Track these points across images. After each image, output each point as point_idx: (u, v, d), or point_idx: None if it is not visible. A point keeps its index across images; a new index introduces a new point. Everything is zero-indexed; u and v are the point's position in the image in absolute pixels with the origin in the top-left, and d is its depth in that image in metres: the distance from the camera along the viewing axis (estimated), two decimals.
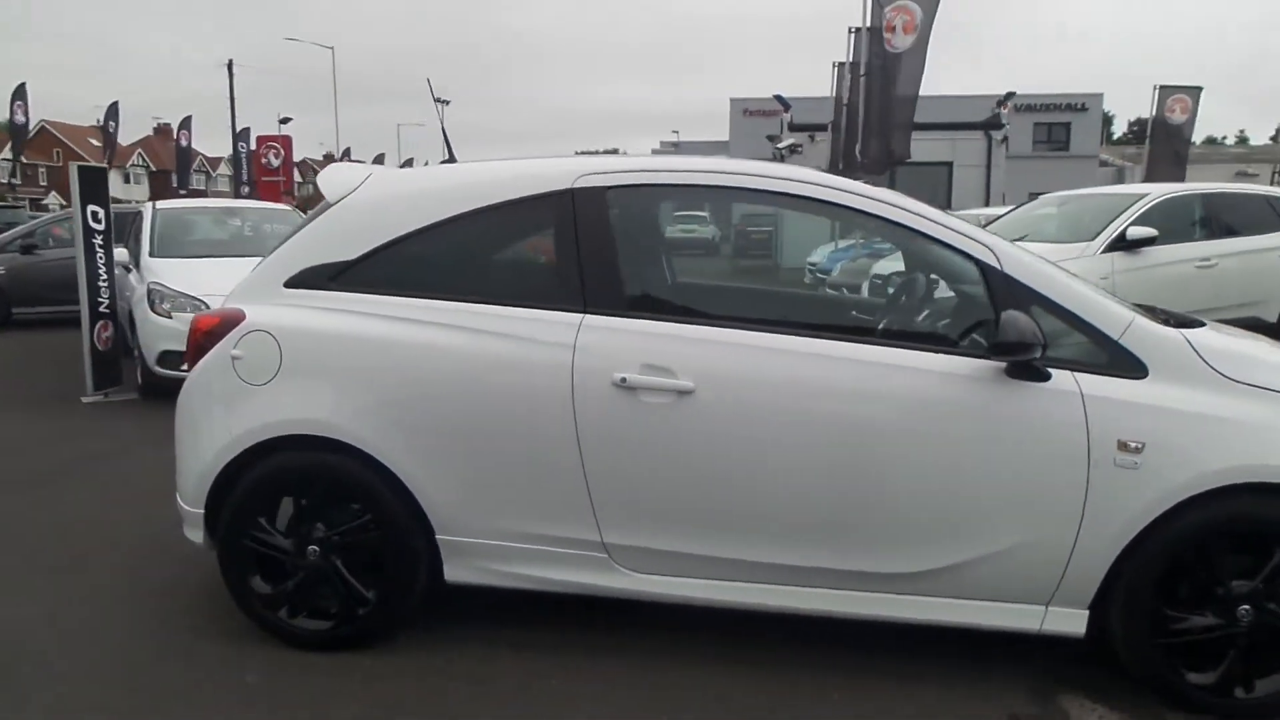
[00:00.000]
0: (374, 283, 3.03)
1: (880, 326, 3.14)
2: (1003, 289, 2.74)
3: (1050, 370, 2.66)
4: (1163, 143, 18.99)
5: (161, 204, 8.75)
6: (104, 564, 3.88)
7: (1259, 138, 63.58)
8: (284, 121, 35.18)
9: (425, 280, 3.08)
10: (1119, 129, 61.76)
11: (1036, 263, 2.82)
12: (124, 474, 5.31)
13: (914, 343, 2.88)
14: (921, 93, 12.53)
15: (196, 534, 3.15)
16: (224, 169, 62.21)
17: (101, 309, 7.38)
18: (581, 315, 2.87)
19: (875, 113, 12.50)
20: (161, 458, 5.56)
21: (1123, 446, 2.62)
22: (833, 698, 2.82)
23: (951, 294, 3.26)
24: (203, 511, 3.10)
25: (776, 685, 2.88)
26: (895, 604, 2.81)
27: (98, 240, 7.31)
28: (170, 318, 7.01)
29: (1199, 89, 19.02)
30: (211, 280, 7.26)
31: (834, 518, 2.77)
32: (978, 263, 2.78)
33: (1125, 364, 2.69)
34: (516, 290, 3.02)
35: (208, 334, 3.11)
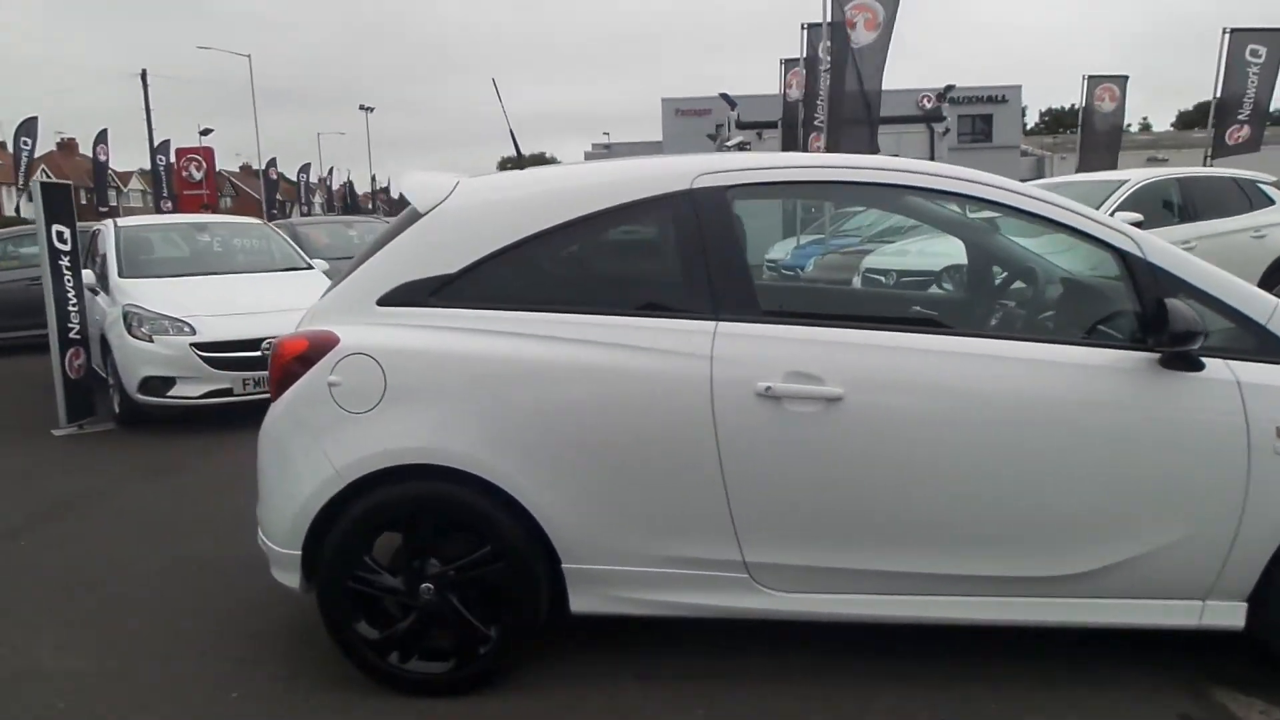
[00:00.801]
0: (480, 297, 2.82)
1: (1019, 322, 3.05)
2: (1148, 278, 2.67)
3: (1203, 359, 2.61)
4: (1093, 132, 19.58)
5: (123, 221, 8.24)
6: (143, 610, 3.56)
7: (1160, 124, 66.53)
8: (204, 133, 34.00)
9: (536, 292, 2.88)
10: (1030, 119, 63.82)
11: (1176, 250, 2.77)
12: (125, 511, 4.93)
13: (1052, 337, 2.79)
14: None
15: (291, 577, 2.89)
16: (135, 184, 59.74)
17: (72, 335, 6.89)
18: (714, 323, 2.71)
19: (842, 108, 12.57)
20: (161, 491, 5.26)
21: None
22: (989, 710, 2.72)
23: (1053, 286, 3.21)
24: (299, 553, 2.84)
25: (924, 695, 2.76)
26: (1053, 608, 2.72)
27: (64, 262, 6.82)
28: (151, 341, 6.59)
29: (1125, 78, 19.68)
30: (191, 300, 6.92)
31: (991, 523, 2.67)
32: (1120, 253, 2.72)
33: (1274, 349, 2.65)
34: (638, 299, 2.84)
35: (296, 360, 2.85)
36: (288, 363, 2.86)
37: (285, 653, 3.17)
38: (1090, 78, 19.59)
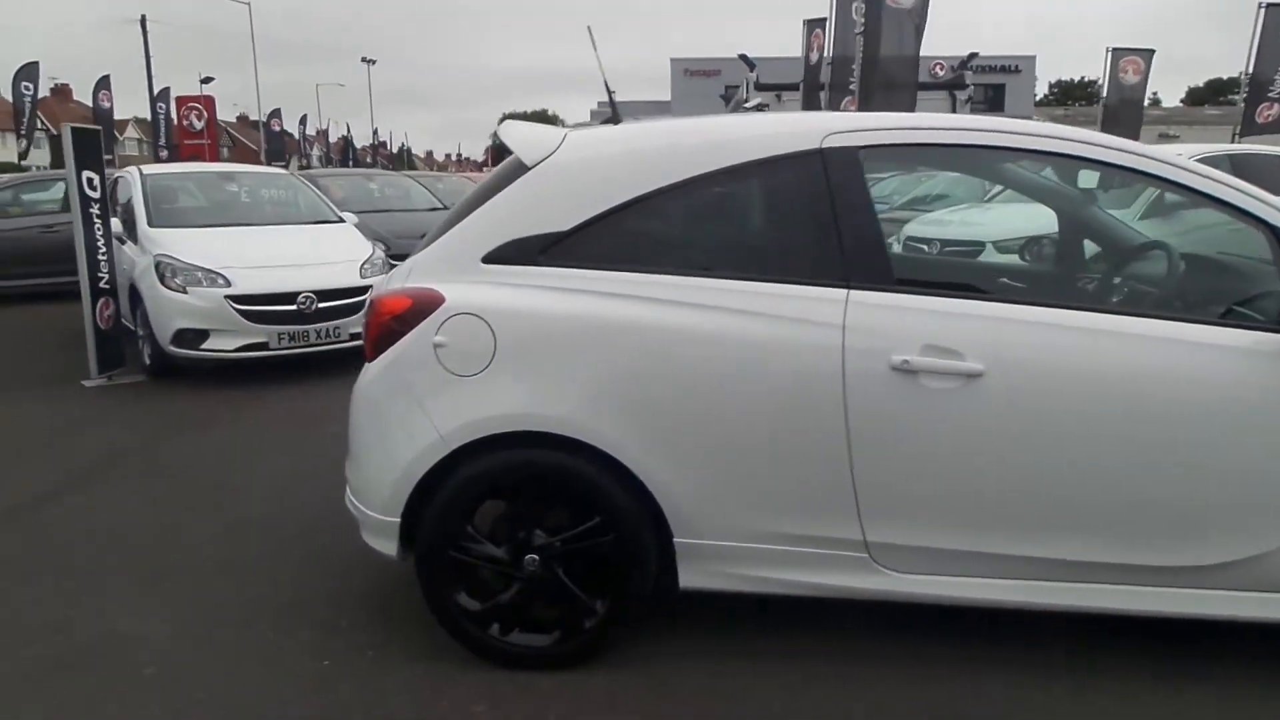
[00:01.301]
0: (593, 257, 2.67)
1: (1168, 301, 2.91)
2: None
3: None
4: (1115, 105, 19.31)
5: (148, 169, 8.00)
6: (209, 574, 3.45)
7: (1169, 100, 65.87)
8: (205, 81, 33.32)
9: (653, 253, 2.73)
10: (1039, 90, 63.17)
11: None
12: (168, 468, 4.79)
13: (1197, 318, 2.66)
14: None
15: (387, 545, 2.77)
16: (131, 132, 58.81)
17: (102, 284, 6.70)
18: (845, 291, 2.57)
19: (876, 72, 12.28)
20: (203, 448, 5.11)
21: None
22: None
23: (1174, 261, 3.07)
24: (399, 520, 2.72)
25: (1041, 685, 2.67)
26: (1185, 599, 2.62)
27: (94, 209, 6.61)
28: (185, 292, 6.41)
29: (1151, 51, 19.36)
30: (225, 251, 6.74)
31: (1130, 509, 2.55)
32: (1270, 227, 2.58)
33: None
34: (763, 264, 2.69)
35: (397, 318, 2.70)
36: (387, 321, 2.71)
37: (368, 621, 3.06)
38: (1114, 50, 19.25)
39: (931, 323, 2.53)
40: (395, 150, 64.49)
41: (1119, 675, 2.71)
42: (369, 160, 53.00)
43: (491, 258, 2.70)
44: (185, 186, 7.91)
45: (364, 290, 6.95)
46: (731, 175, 2.68)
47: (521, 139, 2.81)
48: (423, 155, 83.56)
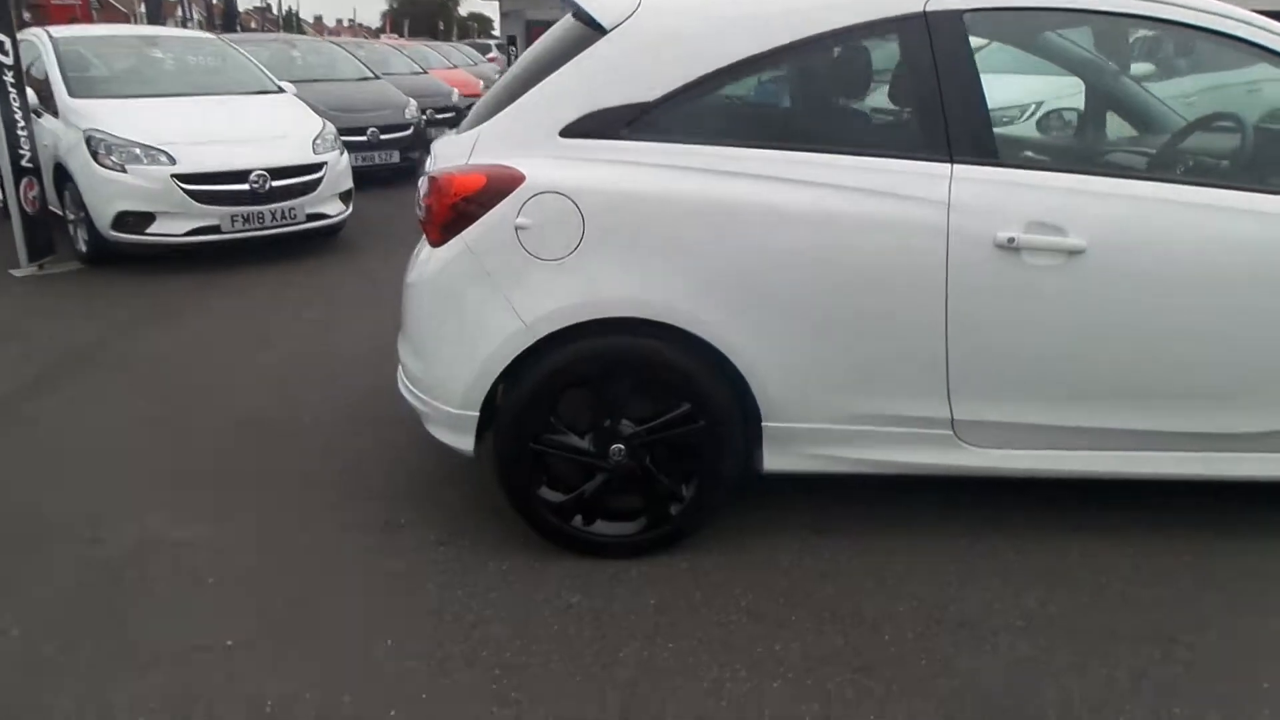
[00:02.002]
0: (681, 130, 2.49)
1: (1250, 172, 2.89)
2: None
3: None
4: None
5: (58, 32, 7.16)
6: (236, 476, 3.26)
7: None
8: None
9: (745, 126, 2.59)
10: None
11: None
12: (142, 363, 4.45)
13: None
14: None
15: (463, 440, 2.64)
16: None
17: (24, 163, 6.06)
18: (949, 165, 2.48)
19: None
20: (173, 342, 4.78)
21: None
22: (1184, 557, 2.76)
23: None
24: (478, 414, 2.59)
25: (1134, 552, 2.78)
26: (1248, 462, 2.72)
27: (8, 78, 5.91)
28: (124, 171, 5.86)
29: None
30: (163, 125, 6.20)
31: (1213, 380, 2.61)
32: None
33: None
34: (862, 136, 2.58)
35: (470, 199, 2.49)
36: (458, 202, 2.50)
37: (428, 517, 2.95)
38: None
39: (1036, 198, 2.47)
40: (282, 15, 59.93)
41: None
42: (254, 26, 49.12)
43: (570, 131, 2.50)
44: (102, 52, 7.12)
45: (318, 167, 6.51)
46: (828, 41, 2.52)
47: (595, 2, 2.56)
48: (311, 21, 77.77)
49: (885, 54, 2.55)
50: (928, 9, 2.48)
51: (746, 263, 2.48)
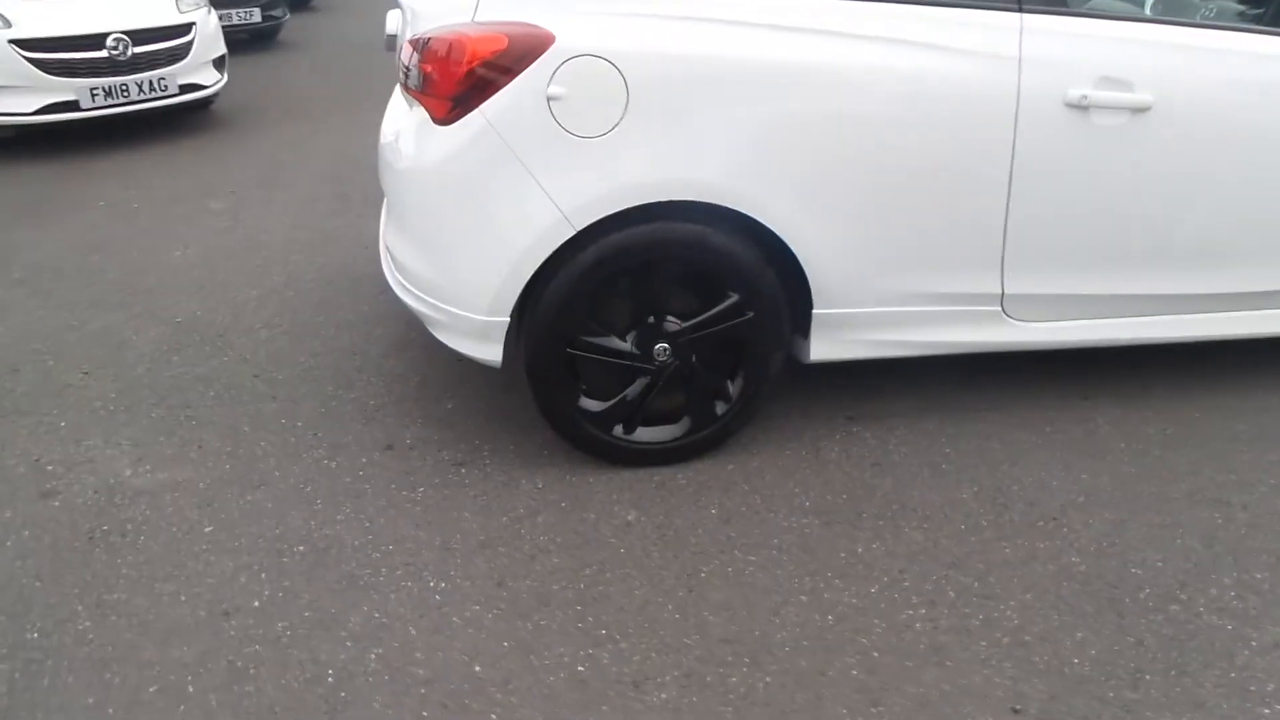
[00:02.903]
0: None
1: None
2: None
3: None
4: None
5: None
6: (191, 396, 2.84)
7: None
8: None
9: None
10: None
11: None
12: (35, 266, 3.84)
13: None
14: None
15: (490, 350, 2.32)
16: None
17: None
18: (1019, 15, 2.24)
19: None
20: (61, 238, 4.12)
21: None
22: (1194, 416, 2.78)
23: None
24: (508, 319, 2.26)
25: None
26: (1269, 319, 2.73)
27: None
28: None
29: None
30: None
31: (1259, 240, 2.56)
32: None
33: None
34: None
35: (489, 65, 2.08)
36: (475, 68, 2.09)
37: (436, 435, 2.64)
38: None
39: (1106, 50, 2.28)
40: None
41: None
42: None
43: None
44: None
45: (187, 29, 5.66)
46: None
47: None
48: None
49: None
50: None
51: (807, 132, 2.20)
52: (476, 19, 2.14)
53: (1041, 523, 2.30)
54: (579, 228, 2.16)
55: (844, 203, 2.28)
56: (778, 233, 2.27)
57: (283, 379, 2.92)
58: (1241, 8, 2.74)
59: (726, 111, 2.15)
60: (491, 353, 2.32)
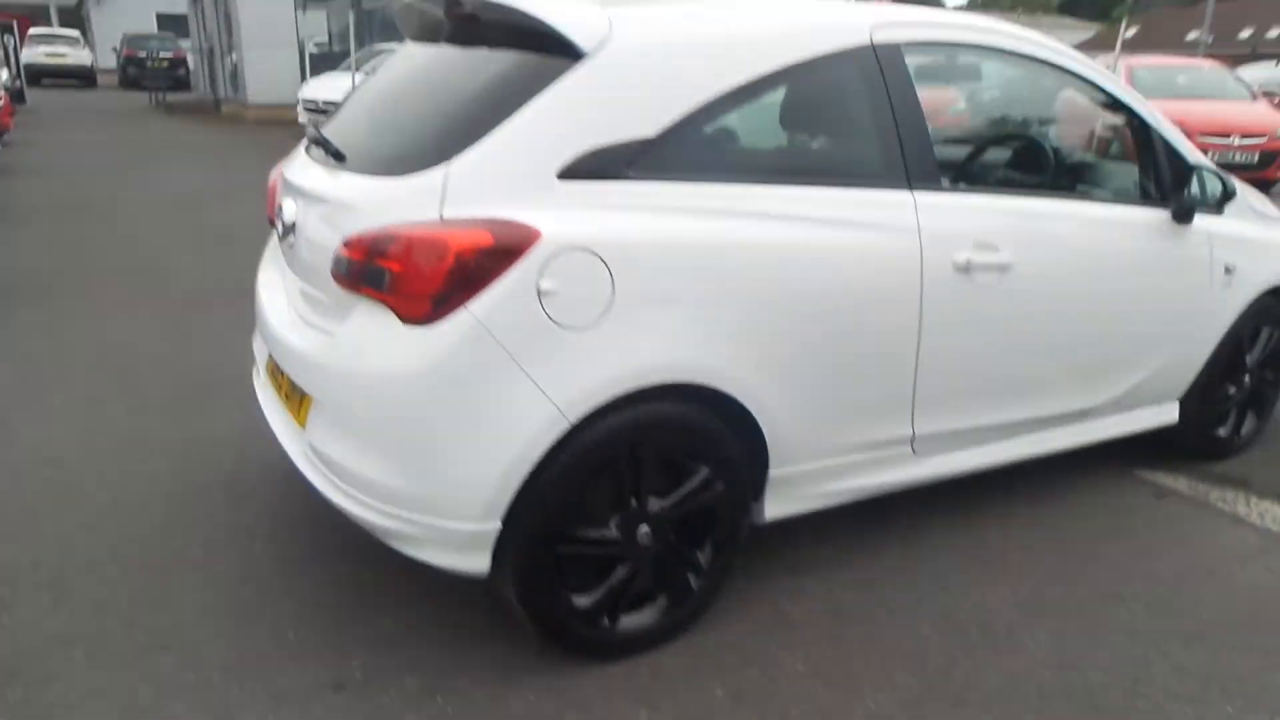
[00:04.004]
0: (683, 167, 2.26)
1: (1098, 187, 3.33)
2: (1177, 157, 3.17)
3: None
4: None
5: None
6: (70, 574, 2.31)
7: None
8: None
9: (737, 160, 2.42)
10: None
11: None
12: None
13: (1118, 200, 3.16)
14: None
15: (477, 561, 2.13)
16: None
17: None
18: (910, 193, 2.56)
19: None
20: None
21: (1227, 269, 3.34)
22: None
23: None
24: (499, 526, 2.10)
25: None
26: (1094, 429, 3.23)
27: None
28: None
29: None
30: None
31: (1098, 365, 3.08)
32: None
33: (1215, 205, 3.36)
34: (836, 167, 2.54)
35: (477, 262, 2.00)
36: (459, 267, 1.99)
37: (384, 658, 2.34)
38: None
39: (977, 219, 2.67)
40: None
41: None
42: None
43: (569, 173, 2.13)
44: None
45: None
46: (799, 71, 2.43)
47: (566, 19, 2.19)
48: None
49: (847, 83, 2.54)
50: (874, 40, 2.54)
51: (764, 308, 2.33)
52: (445, 215, 2.06)
53: (1003, 642, 2.49)
54: (574, 422, 2.09)
55: (797, 369, 2.42)
56: (744, 402, 2.34)
57: (166, 622, 2.46)
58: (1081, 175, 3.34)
59: (703, 293, 2.23)
60: (478, 563, 2.14)
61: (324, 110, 14.98)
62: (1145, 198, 3.17)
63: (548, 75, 2.17)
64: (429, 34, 2.66)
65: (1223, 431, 3.68)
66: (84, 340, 4.70)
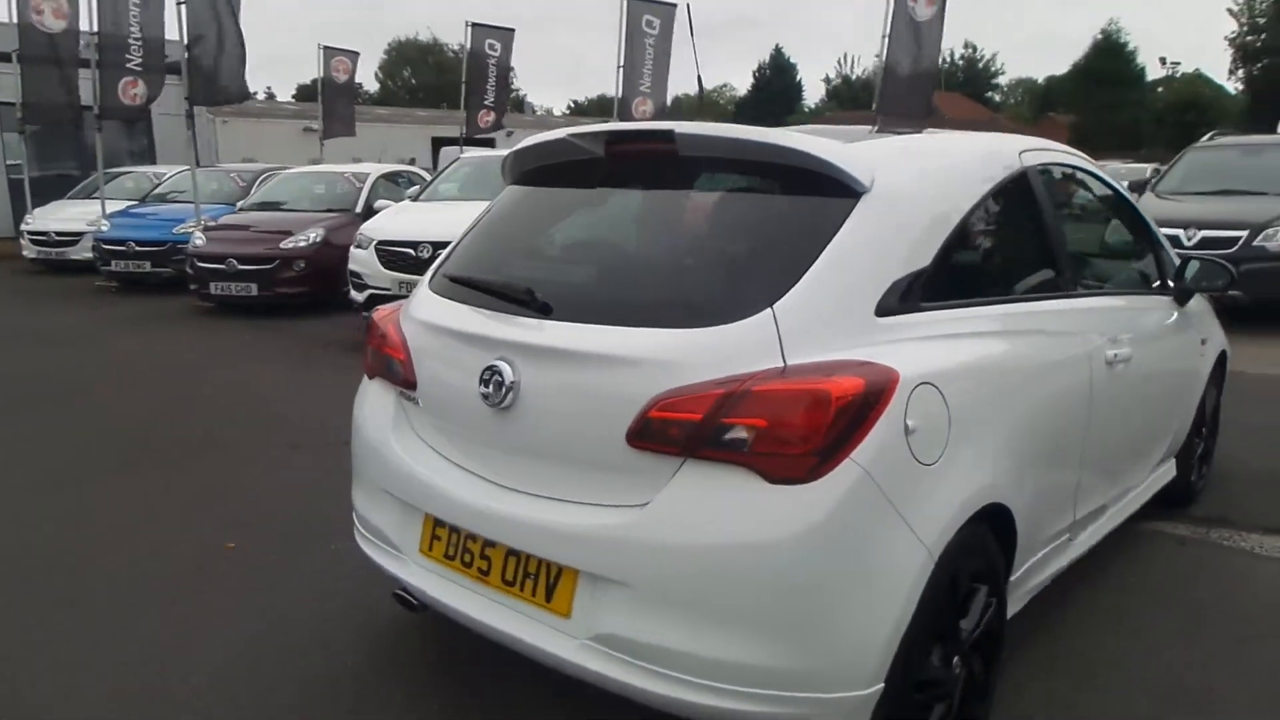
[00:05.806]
0: (952, 292, 2.34)
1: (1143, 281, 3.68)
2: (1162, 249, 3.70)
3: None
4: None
5: None
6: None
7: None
8: None
9: (986, 281, 2.61)
10: None
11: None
12: None
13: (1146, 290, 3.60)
14: None
15: None
16: None
17: None
18: (1071, 300, 2.81)
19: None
20: None
21: (1203, 340, 3.92)
22: None
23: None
24: (883, 688, 1.95)
25: None
26: (1136, 497, 3.54)
27: None
28: None
29: (356, 54, 20.49)
30: None
31: (1159, 433, 3.50)
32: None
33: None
34: (1031, 280, 2.75)
35: (856, 408, 1.89)
36: (840, 417, 1.88)
37: None
38: (325, 48, 19.81)
39: (1109, 318, 2.97)
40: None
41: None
42: None
43: (882, 309, 2.11)
44: None
45: None
46: (1001, 193, 2.61)
47: (845, 158, 2.17)
48: None
49: (1030, 201, 2.75)
50: (1024, 165, 2.76)
51: (1025, 419, 2.43)
52: (788, 364, 1.94)
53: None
54: (937, 559, 2.02)
55: (1033, 470, 2.49)
56: (1014, 514, 2.38)
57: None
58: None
59: (995, 412, 2.28)
60: None
61: (57, 244, 12.96)
62: (1162, 286, 3.65)
63: (833, 214, 2.14)
64: (585, 179, 2.54)
65: (1194, 478, 4.23)
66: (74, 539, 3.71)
